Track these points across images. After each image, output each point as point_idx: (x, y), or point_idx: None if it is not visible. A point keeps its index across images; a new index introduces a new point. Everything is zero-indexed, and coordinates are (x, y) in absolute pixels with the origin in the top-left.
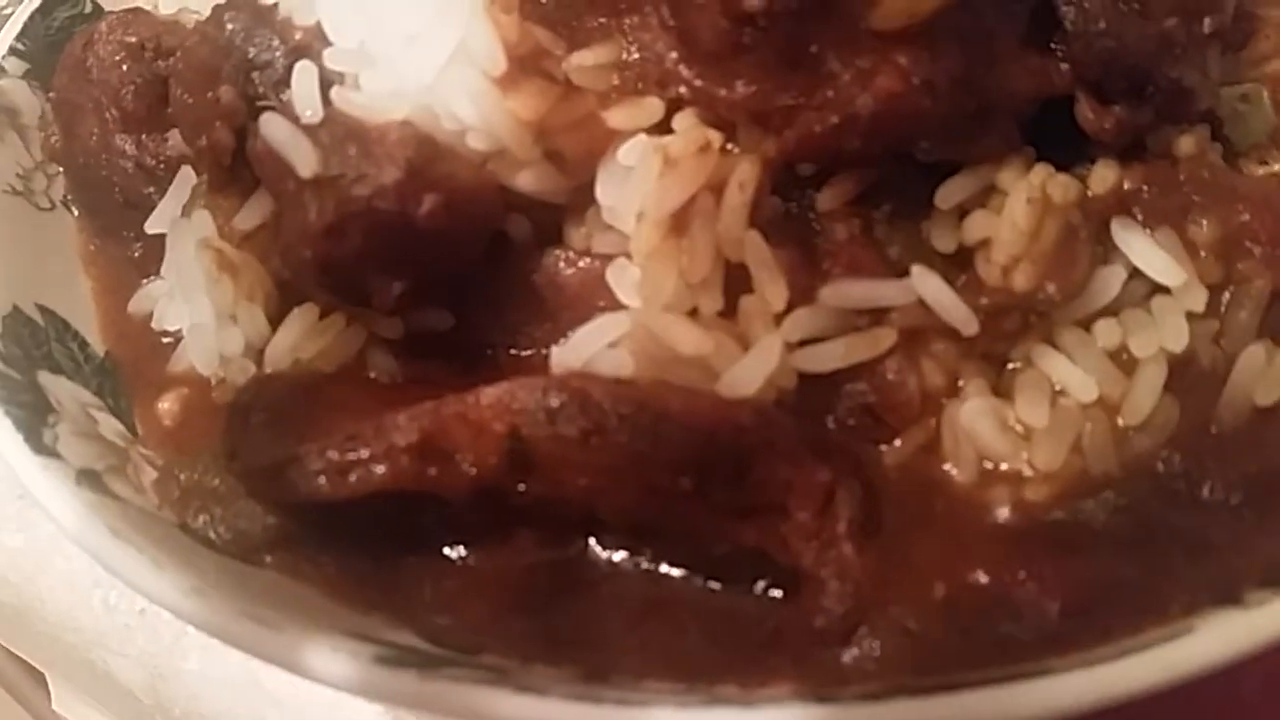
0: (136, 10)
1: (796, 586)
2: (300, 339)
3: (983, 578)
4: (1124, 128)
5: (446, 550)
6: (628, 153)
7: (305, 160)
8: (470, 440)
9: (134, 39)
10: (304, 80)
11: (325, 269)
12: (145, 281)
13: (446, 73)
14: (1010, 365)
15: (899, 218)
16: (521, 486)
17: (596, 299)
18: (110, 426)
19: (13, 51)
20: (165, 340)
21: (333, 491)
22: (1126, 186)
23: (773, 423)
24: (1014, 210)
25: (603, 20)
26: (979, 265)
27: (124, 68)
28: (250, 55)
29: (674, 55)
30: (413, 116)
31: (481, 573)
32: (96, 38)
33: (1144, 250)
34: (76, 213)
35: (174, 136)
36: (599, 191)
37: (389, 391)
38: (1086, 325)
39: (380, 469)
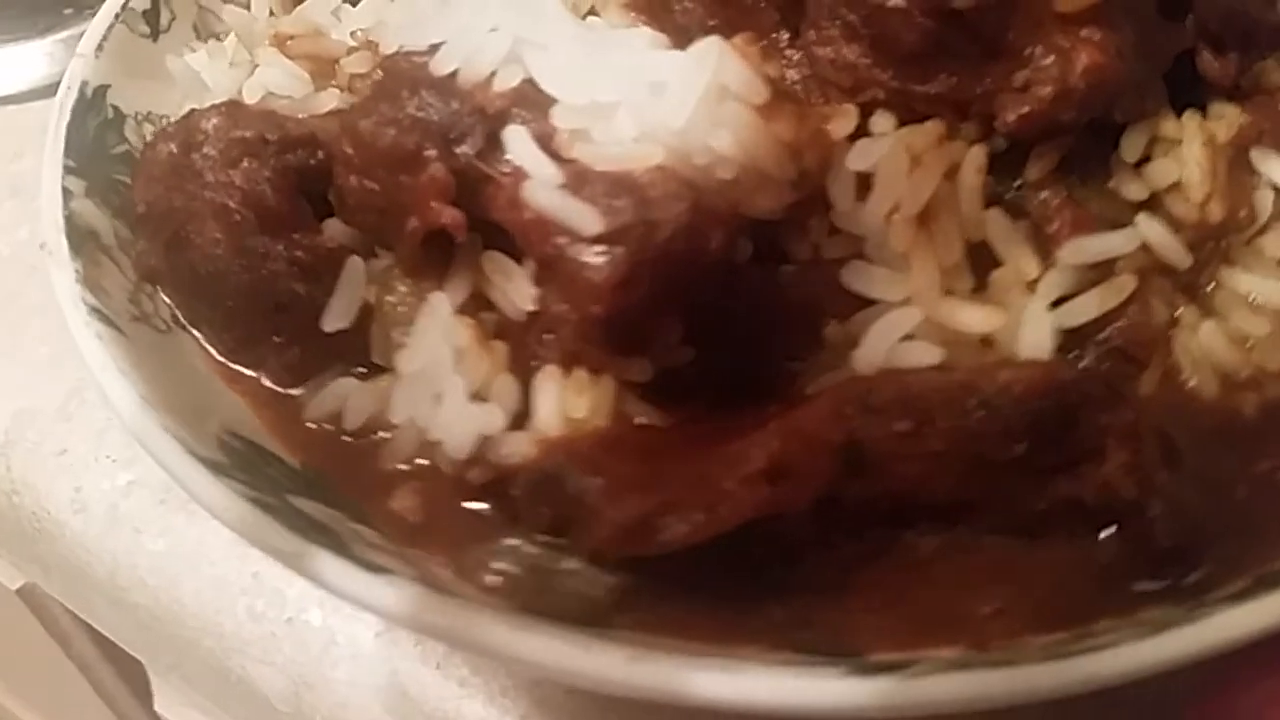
0: (233, 104)
1: (1120, 523)
2: (564, 400)
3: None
4: (1239, 71)
5: (781, 568)
6: (856, 158)
7: (588, 218)
8: (809, 455)
9: (250, 133)
10: (521, 143)
11: (613, 323)
12: (301, 392)
13: (703, 110)
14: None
15: (1088, 178)
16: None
17: (835, 303)
18: (370, 537)
19: (67, 170)
20: (356, 440)
21: (699, 534)
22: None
23: (1087, 375)
24: (1194, 153)
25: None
26: (1174, 206)
27: (248, 164)
28: (447, 129)
29: (866, 61)
30: (665, 159)
31: (824, 580)
32: (201, 138)
33: None
34: (198, 331)
35: (331, 227)
36: (835, 198)
37: (671, 434)
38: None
39: (742, 500)
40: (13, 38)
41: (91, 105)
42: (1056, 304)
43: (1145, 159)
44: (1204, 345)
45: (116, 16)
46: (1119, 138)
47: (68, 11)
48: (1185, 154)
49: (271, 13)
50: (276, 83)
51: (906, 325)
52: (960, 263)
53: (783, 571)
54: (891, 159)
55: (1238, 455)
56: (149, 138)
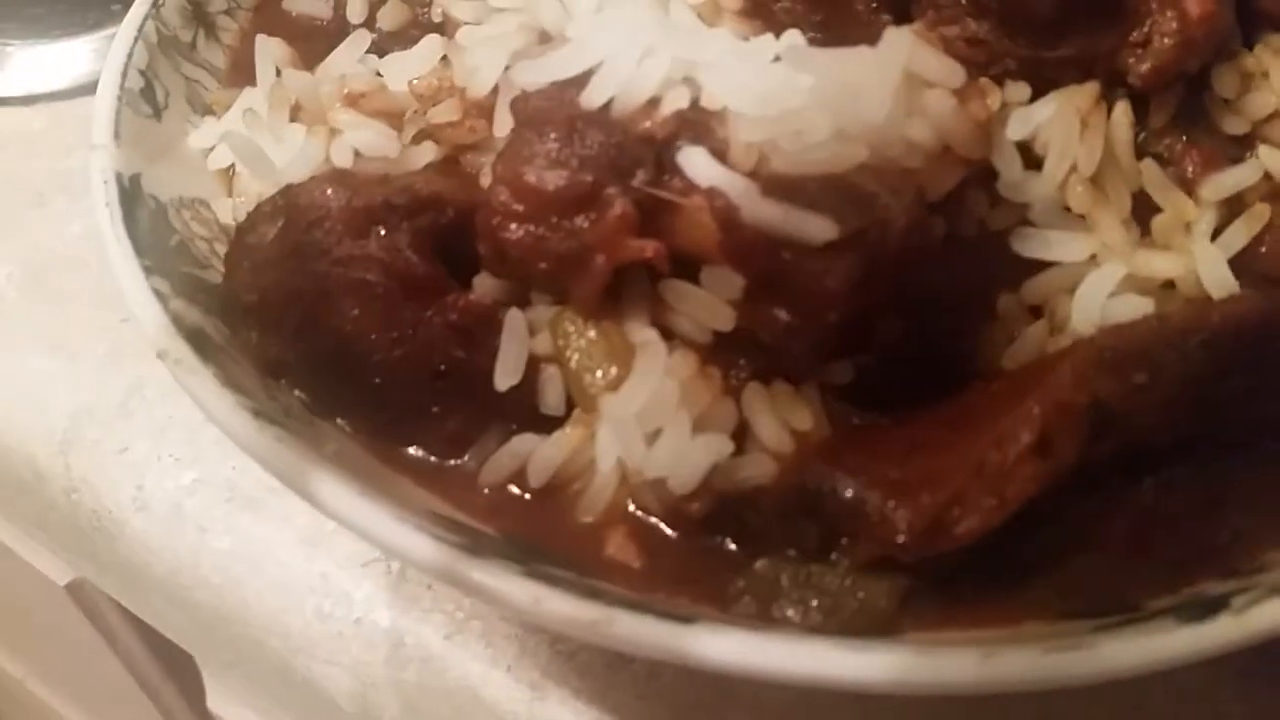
0: (341, 173)
1: None
2: (781, 414)
3: None
4: None
5: (1033, 538)
6: (1017, 127)
7: (818, 226)
8: (1066, 422)
9: (374, 201)
10: (704, 163)
11: (844, 328)
12: (466, 459)
13: (900, 102)
14: None
15: (1193, 120)
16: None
17: (1003, 274)
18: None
19: (148, 271)
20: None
21: (992, 521)
22: None
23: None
24: None
25: None
26: (1273, 133)
27: (380, 233)
28: (617, 162)
29: (997, 33)
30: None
31: (1077, 542)
32: (317, 213)
33: None
34: (341, 418)
35: (480, 284)
36: (1002, 168)
37: (902, 430)
38: None
39: (1025, 478)
40: (63, 33)
41: (134, 197)
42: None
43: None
44: None
45: (119, 99)
46: (1203, 79)
47: (115, 7)
48: (1276, 84)
49: (278, 72)
50: (367, 144)
51: (1111, 281)
52: (1129, 216)
53: (1036, 541)
54: (1061, 123)
55: None
56: (193, 225)
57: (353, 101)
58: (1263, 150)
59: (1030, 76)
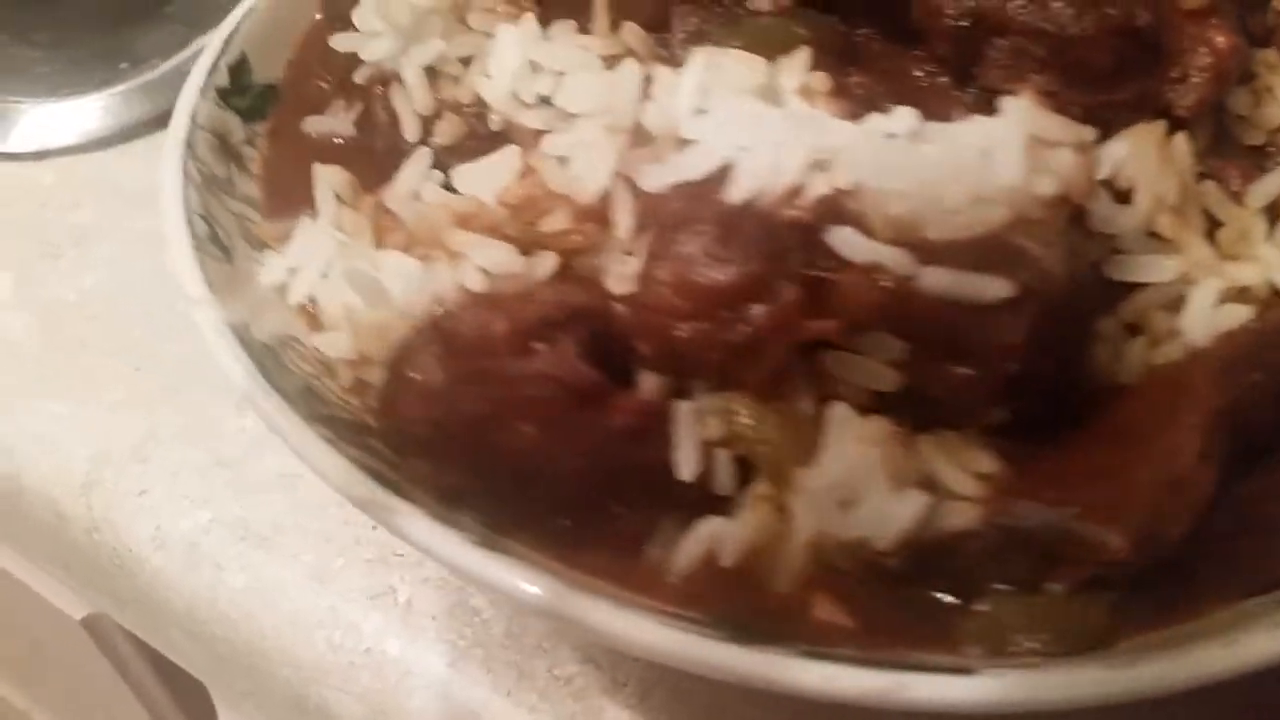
0: (489, 296)
1: None
2: (960, 461)
3: None
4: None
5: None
6: (1103, 167)
7: (994, 287)
8: (1215, 428)
9: (532, 320)
10: (858, 242)
11: (1023, 378)
12: (647, 552)
13: (1028, 163)
14: None
15: (1220, 135)
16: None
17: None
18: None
19: (310, 423)
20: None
21: (1190, 524)
22: None
23: None
24: None
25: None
26: None
27: (546, 349)
28: (773, 249)
29: (1061, 85)
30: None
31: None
32: (486, 341)
33: None
34: (521, 533)
35: (645, 381)
36: (1094, 205)
37: (1066, 459)
38: None
39: (1204, 482)
40: (71, 91)
41: (252, 348)
42: None
43: None
44: None
45: (195, 248)
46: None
47: (123, 66)
48: None
49: (339, 198)
50: (494, 263)
51: (1213, 295)
52: (1204, 233)
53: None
54: (1143, 160)
55: None
56: (306, 366)
57: (464, 223)
58: None
59: (1092, 120)
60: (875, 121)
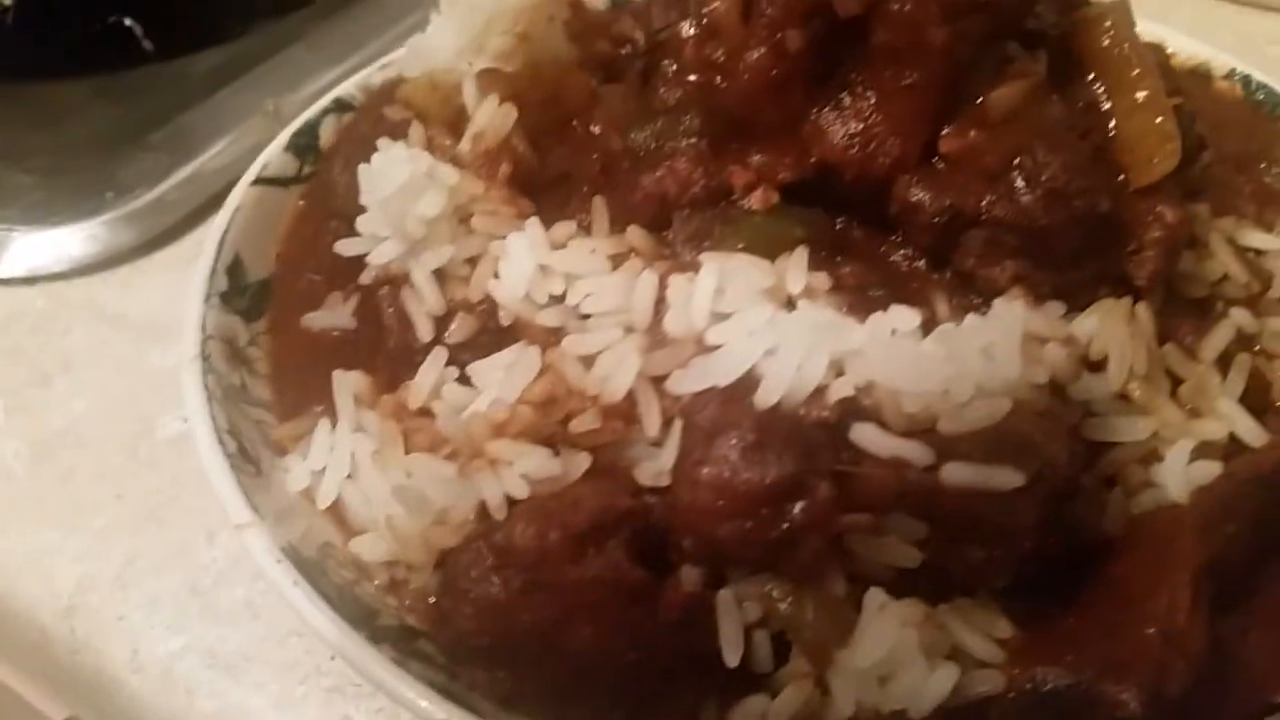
0: (538, 507)
1: None
2: (980, 626)
3: None
4: None
5: None
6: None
7: (1006, 477)
8: (1200, 582)
9: (581, 527)
10: (878, 437)
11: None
12: None
13: (1023, 357)
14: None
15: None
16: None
17: None
18: None
19: (371, 642)
20: None
21: (1191, 673)
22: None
23: None
24: (1223, 251)
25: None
26: (1231, 291)
27: (595, 553)
28: (803, 449)
29: (1031, 267)
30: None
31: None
32: (540, 552)
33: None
34: None
35: (687, 574)
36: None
37: (1068, 616)
38: None
39: (1198, 634)
40: (61, 219)
41: (303, 564)
42: None
43: None
44: None
45: (233, 470)
46: None
47: (109, 195)
48: (1218, 254)
49: (357, 400)
50: (535, 469)
51: (1185, 455)
52: (1169, 393)
53: None
54: (1114, 334)
55: None
56: (345, 572)
57: (500, 431)
58: (1233, 311)
59: (1060, 294)
60: (882, 321)
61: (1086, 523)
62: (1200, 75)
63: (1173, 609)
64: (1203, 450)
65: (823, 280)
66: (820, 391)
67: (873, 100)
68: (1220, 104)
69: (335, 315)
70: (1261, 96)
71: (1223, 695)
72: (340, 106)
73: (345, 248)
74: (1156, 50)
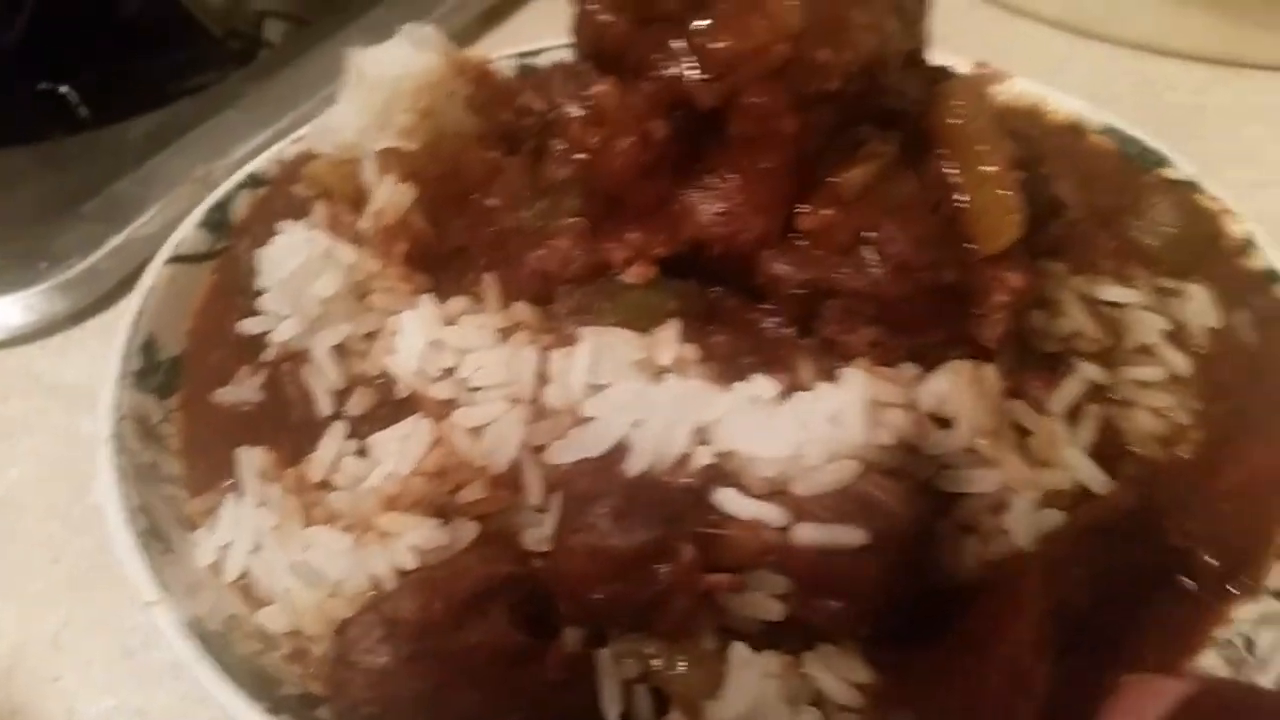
0: (425, 578)
1: None
2: (846, 673)
3: None
4: None
5: None
6: (926, 399)
7: (852, 535)
8: (1046, 626)
9: (466, 595)
10: (738, 500)
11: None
12: None
13: (869, 421)
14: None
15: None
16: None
17: None
18: None
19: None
20: None
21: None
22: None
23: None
24: (1076, 308)
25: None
26: (1083, 345)
27: (479, 622)
28: (668, 513)
29: (887, 334)
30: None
31: None
32: (427, 621)
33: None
34: None
35: (568, 636)
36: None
37: (924, 661)
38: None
39: (1044, 676)
40: None
41: (209, 638)
42: None
43: None
44: (1142, 426)
45: (144, 548)
46: None
47: (43, 265)
48: (1070, 311)
49: (262, 475)
50: (424, 540)
51: (1030, 503)
52: (1015, 445)
53: None
54: (963, 395)
55: None
56: (251, 643)
57: (391, 504)
58: (1083, 365)
59: (914, 357)
60: (742, 390)
61: (941, 569)
62: (1075, 131)
63: (1020, 652)
64: (1050, 499)
65: (692, 351)
66: (684, 459)
67: (735, 182)
68: (1094, 158)
69: (243, 390)
70: (1131, 150)
71: None
72: (254, 182)
73: (248, 326)
74: (1034, 111)
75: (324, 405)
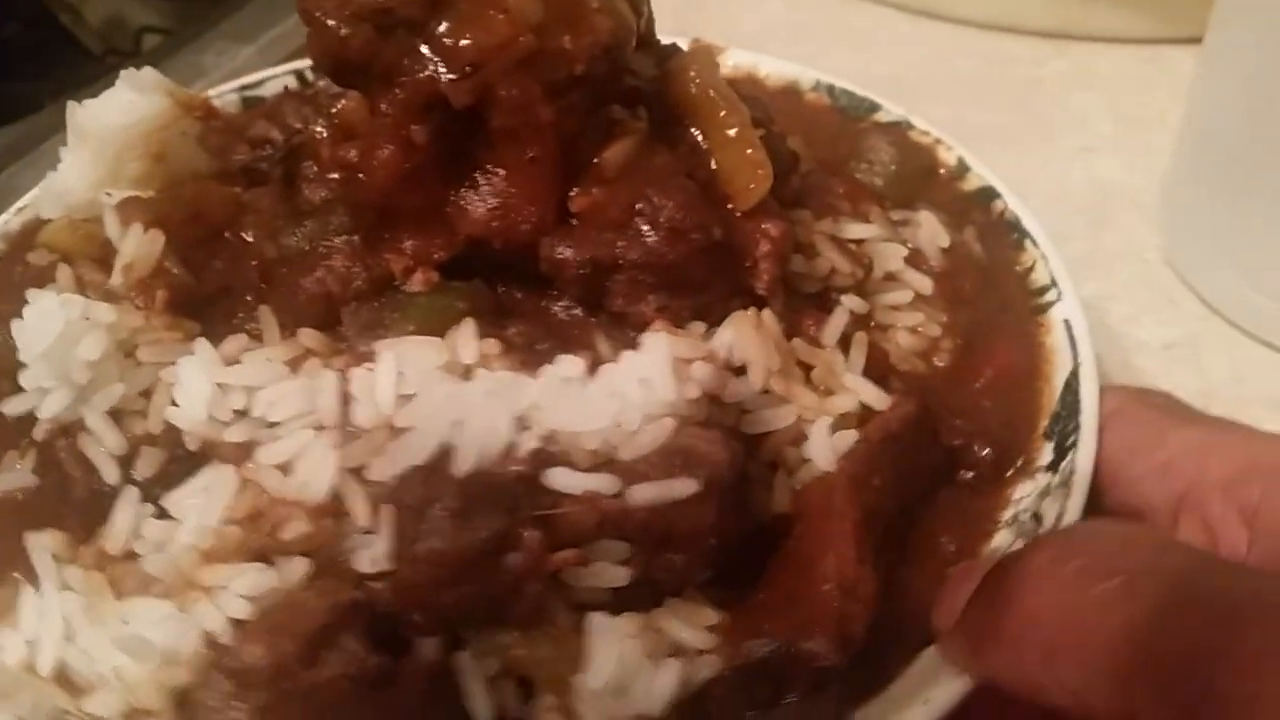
0: (260, 624)
1: None
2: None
3: None
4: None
5: None
6: (721, 348)
7: (684, 486)
8: (860, 536)
9: (312, 631)
10: (569, 478)
11: (724, 544)
12: None
13: (676, 379)
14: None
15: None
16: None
17: None
18: None
19: None
20: None
21: (870, 614)
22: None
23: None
24: (828, 248)
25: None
26: (840, 281)
27: (332, 653)
28: (504, 504)
29: (669, 296)
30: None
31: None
32: (276, 668)
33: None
34: None
35: (423, 646)
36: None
37: (760, 591)
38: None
39: (868, 579)
40: None
41: None
42: None
43: None
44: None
45: None
46: None
47: None
48: (824, 251)
49: (56, 558)
50: (254, 586)
51: (825, 431)
52: (803, 379)
53: None
54: (750, 342)
55: None
56: None
57: (210, 557)
58: (845, 298)
59: (700, 315)
60: (551, 373)
61: (760, 506)
62: (792, 92)
63: (842, 563)
64: (841, 422)
65: (493, 345)
66: (510, 449)
67: (503, 176)
68: (813, 114)
69: (15, 476)
70: (844, 102)
71: (899, 629)
72: None
73: (11, 407)
74: (750, 79)
75: (109, 473)
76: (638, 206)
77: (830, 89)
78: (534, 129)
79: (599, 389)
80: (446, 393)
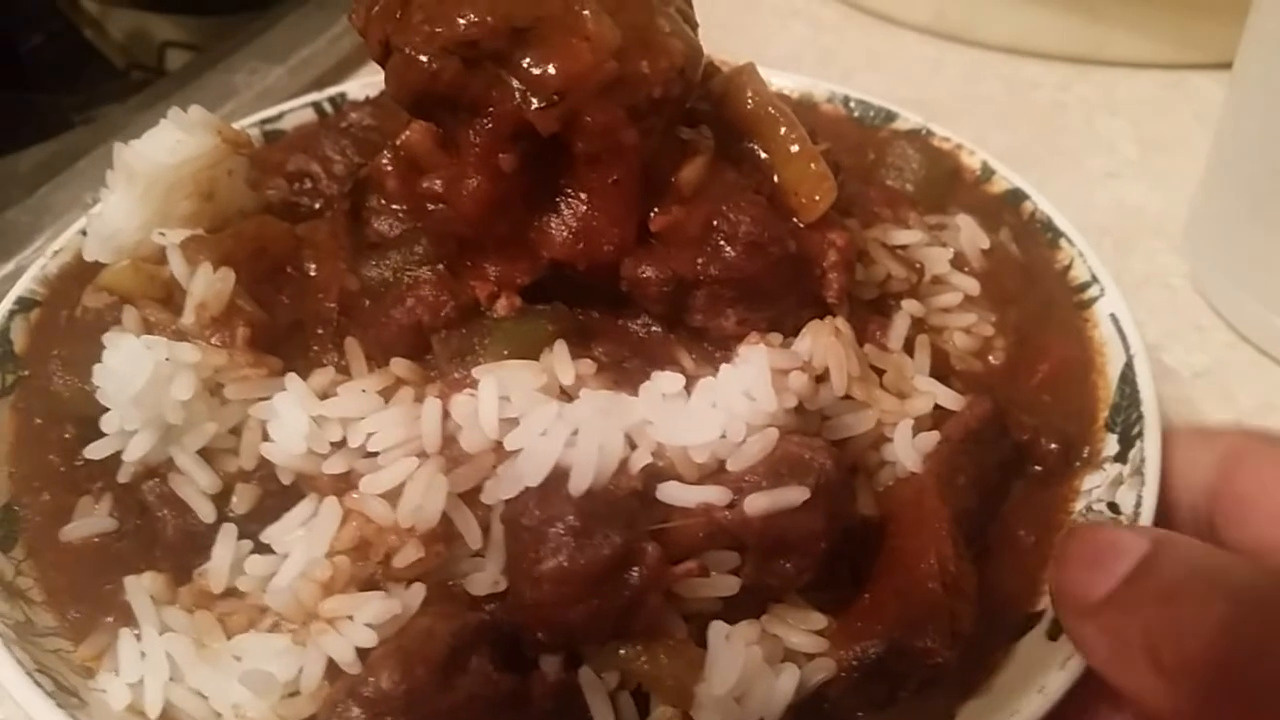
0: (391, 653)
1: None
2: (803, 624)
3: None
4: None
5: None
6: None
7: (796, 494)
8: (955, 533)
9: (442, 656)
10: (681, 491)
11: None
12: None
13: (775, 390)
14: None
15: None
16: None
17: None
18: None
19: None
20: None
21: (975, 609)
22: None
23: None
24: (881, 255)
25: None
26: (894, 286)
27: (465, 675)
28: (621, 521)
29: (748, 310)
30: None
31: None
32: (414, 692)
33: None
34: None
35: (548, 664)
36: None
37: (862, 591)
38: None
39: (968, 574)
40: None
41: None
42: None
43: None
44: (959, 344)
45: (61, 707)
46: None
47: None
48: (878, 259)
49: (155, 599)
50: (377, 615)
51: (908, 431)
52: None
53: None
54: (829, 350)
55: None
56: None
57: (329, 589)
58: (904, 303)
59: (774, 325)
60: (651, 389)
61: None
62: (807, 104)
63: (943, 561)
64: (919, 424)
65: (587, 366)
66: (623, 465)
67: (585, 199)
68: (830, 124)
69: (94, 522)
70: (860, 112)
71: (989, 622)
72: (24, 305)
73: (96, 451)
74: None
75: (205, 512)
76: (714, 223)
77: (845, 99)
78: (617, 153)
79: (701, 403)
80: (553, 414)
